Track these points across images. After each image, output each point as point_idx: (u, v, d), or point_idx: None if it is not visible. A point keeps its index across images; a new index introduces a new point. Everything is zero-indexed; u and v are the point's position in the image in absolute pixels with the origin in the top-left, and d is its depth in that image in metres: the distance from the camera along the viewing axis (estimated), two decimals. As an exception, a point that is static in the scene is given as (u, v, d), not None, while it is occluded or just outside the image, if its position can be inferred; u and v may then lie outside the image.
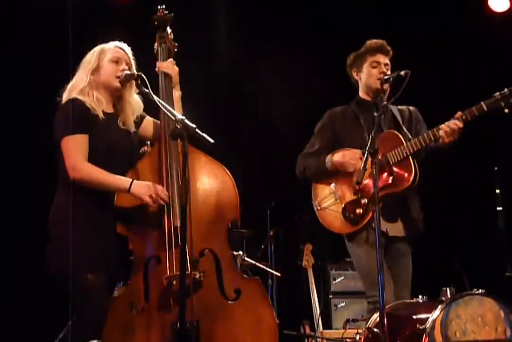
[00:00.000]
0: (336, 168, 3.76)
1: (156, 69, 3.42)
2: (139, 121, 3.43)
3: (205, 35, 5.79)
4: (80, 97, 3.22)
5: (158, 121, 3.42)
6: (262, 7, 5.82)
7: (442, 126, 3.53)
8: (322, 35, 5.85)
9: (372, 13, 5.82)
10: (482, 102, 3.47)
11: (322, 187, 3.88)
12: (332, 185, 3.83)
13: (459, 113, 3.53)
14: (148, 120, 3.46)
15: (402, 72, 3.48)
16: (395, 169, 3.63)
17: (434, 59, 5.69)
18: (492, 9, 5.71)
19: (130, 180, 3.16)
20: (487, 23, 5.64)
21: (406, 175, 3.60)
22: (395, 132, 3.72)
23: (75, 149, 3.14)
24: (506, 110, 3.44)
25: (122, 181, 3.16)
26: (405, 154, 3.59)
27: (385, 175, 3.64)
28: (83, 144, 3.16)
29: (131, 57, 3.37)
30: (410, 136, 3.71)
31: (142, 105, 3.40)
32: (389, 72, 3.77)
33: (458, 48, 5.71)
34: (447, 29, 5.68)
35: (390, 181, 3.63)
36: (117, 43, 3.37)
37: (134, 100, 3.39)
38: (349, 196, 3.75)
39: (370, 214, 3.62)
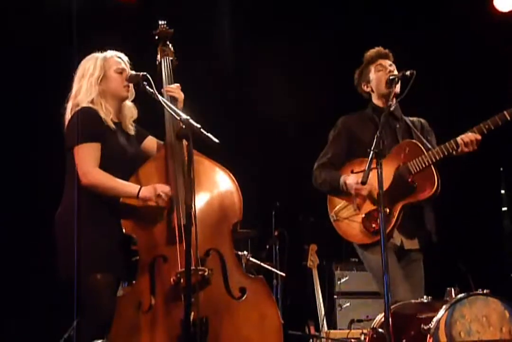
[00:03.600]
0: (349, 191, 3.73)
1: (163, 90, 3.45)
2: (141, 137, 3.49)
3: (206, 36, 5.80)
4: (92, 106, 3.28)
5: (161, 142, 3.47)
6: (264, 7, 5.83)
7: (461, 137, 3.54)
8: (323, 36, 5.85)
9: (374, 13, 5.82)
10: (504, 111, 3.48)
11: (338, 198, 3.84)
12: (352, 196, 3.75)
13: (475, 129, 3.55)
14: (151, 139, 3.52)
15: (408, 72, 3.49)
16: (416, 179, 3.60)
17: (439, 59, 5.68)
18: (498, 9, 5.71)
19: (138, 186, 3.21)
20: (493, 23, 5.63)
21: (428, 185, 3.57)
22: (415, 141, 3.70)
23: (87, 157, 3.20)
24: None
25: (131, 187, 3.22)
26: (427, 163, 3.58)
27: (406, 184, 3.61)
28: (96, 152, 3.22)
29: (128, 65, 3.43)
30: (429, 146, 3.68)
31: (136, 110, 3.47)
32: (395, 72, 3.77)
33: (463, 48, 5.71)
34: (452, 30, 5.68)
35: (410, 191, 3.61)
36: (115, 52, 3.42)
37: (129, 106, 3.46)
38: (369, 206, 3.72)
39: (392, 224, 3.60)
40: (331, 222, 3.87)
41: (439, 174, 3.59)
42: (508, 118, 3.47)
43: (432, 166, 3.58)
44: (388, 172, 3.59)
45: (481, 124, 3.53)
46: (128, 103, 3.46)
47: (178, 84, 3.50)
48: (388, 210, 3.61)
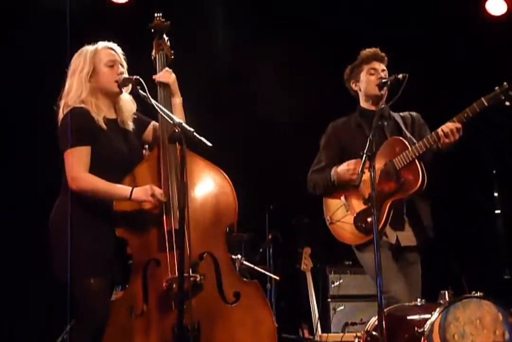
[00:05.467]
0: (342, 180, 3.74)
1: (155, 80, 3.41)
2: (143, 126, 3.44)
3: (204, 36, 5.80)
4: (83, 106, 3.22)
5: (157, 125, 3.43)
6: (261, 7, 5.83)
7: (441, 127, 3.55)
8: (321, 36, 5.86)
9: (370, 15, 5.83)
10: (482, 98, 3.48)
11: (332, 200, 3.87)
12: (342, 197, 3.81)
13: (454, 118, 3.55)
14: (152, 126, 3.46)
15: (400, 76, 3.49)
16: (402, 174, 3.62)
17: (432, 62, 5.70)
18: (490, 13, 5.73)
19: (130, 188, 3.16)
20: (485, 26, 5.66)
21: (413, 179, 3.58)
22: (400, 138, 3.72)
23: (76, 161, 3.15)
24: (507, 103, 3.45)
25: (122, 189, 3.17)
26: (411, 158, 3.59)
27: (392, 180, 3.63)
28: (85, 156, 3.17)
29: (122, 56, 3.36)
30: (415, 141, 3.70)
31: (134, 103, 3.40)
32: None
33: (456, 52, 5.72)
34: (445, 33, 5.70)
35: (397, 187, 3.62)
36: (106, 43, 3.34)
37: (127, 99, 3.38)
38: (359, 206, 3.73)
39: (382, 222, 3.60)
40: (327, 225, 3.87)
41: (426, 168, 3.58)
42: (486, 104, 3.47)
43: (416, 160, 3.59)
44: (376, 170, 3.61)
45: (460, 114, 3.53)
46: (126, 96, 3.37)
47: (167, 68, 3.44)
48: None
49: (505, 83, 3.46)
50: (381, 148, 3.71)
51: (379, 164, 3.64)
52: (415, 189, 3.58)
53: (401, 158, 3.62)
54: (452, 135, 3.52)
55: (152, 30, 3.50)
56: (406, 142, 3.67)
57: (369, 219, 3.65)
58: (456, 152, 3.66)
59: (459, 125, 3.52)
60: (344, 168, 3.73)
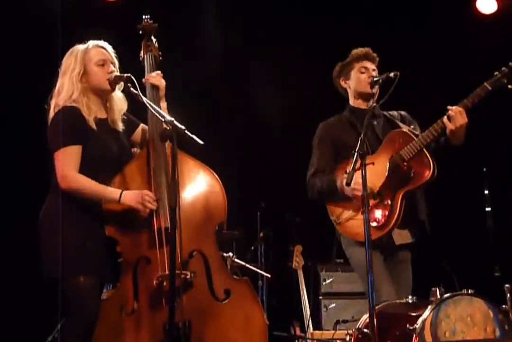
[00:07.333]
0: (344, 195, 3.67)
1: (144, 80, 3.43)
2: (133, 127, 3.45)
3: (199, 35, 5.80)
4: (74, 105, 3.21)
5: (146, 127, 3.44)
6: (257, 7, 5.84)
7: (446, 114, 3.51)
8: (320, 36, 5.87)
9: (361, 15, 5.85)
10: (485, 83, 3.48)
11: (337, 202, 3.81)
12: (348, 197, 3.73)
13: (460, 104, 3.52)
14: (141, 128, 3.47)
15: (392, 74, 3.50)
16: (411, 165, 3.60)
17: (422, 61, 5.71)
18: (480, 11, 5.75)
19: (120, 190, 3.16)
20: (475, 25, 5.67)
21: (424, 168, 3.56)
22: (403, 130, 3.71)
23: (66, 160, 3.15)
24: (510, 86, 3.46)
25: (112, 192, 3.17)
26: (418, 148, 3.57)
27: (402, 172, 3.61)
28: (75, 155, 3.17)
29: (113, 55, 3.36)
30: (417, 132, 3.68)
31: (126, 102, 3.40)
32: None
33: (446, 50, 5.74)
34: (435, 31, 5.71)
35: (408, 177, 3.60)
36: (97, 42, 3.35)
37: (119, 98, 3.38)
38: (370, 201, 3.67)
39: (396, 214, 3.58)
40: (334, 226, 3.81)
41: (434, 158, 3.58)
42: (490, 88, 3.46)
43: (424, 150, 3.58)
44: (383, 164, 3.62)
45: (465, 100, 3.51)
46: (118, 94, 3.37)
47: (158, 72, 3.46)
48: (389, 202, 3.61)
49: (503, 67, 3.47)
50: (385, 141, 3.71)
51: (385, 158, 3.65)
52: (427, 178, 3.56)
53: (409, 149, 3.60)
54: (457, 119, 3.47)
55: (140, 32, 3.54)
56: (410, 133, 3.66)
57: (383, 213, 3.62)
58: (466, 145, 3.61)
59: (461, 109, 3.48)
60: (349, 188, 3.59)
